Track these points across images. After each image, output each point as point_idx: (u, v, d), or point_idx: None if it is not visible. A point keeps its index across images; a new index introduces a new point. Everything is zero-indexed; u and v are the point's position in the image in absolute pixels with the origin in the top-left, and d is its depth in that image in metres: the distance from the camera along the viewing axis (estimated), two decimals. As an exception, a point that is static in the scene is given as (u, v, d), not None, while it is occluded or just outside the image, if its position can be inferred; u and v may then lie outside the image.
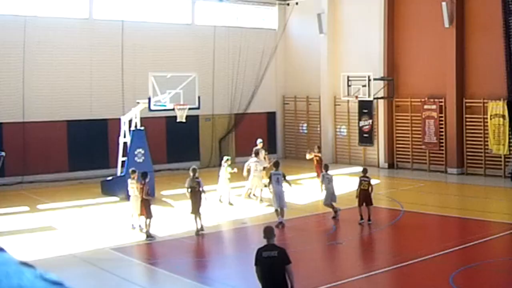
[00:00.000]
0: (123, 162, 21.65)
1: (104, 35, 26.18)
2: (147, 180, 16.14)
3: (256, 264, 9.15)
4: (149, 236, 15.79)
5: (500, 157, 23.92)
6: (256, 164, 20.38)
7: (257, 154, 21.01)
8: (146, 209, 15.97)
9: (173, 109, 21.52)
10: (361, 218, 16.87)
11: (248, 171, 20.32)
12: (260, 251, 9.20)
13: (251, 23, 31.25)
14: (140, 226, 16.50)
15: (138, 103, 21.45)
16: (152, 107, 20.93)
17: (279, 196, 16.86)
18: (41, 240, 15.55)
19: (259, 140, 22.95)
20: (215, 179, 20.42)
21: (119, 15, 26.83)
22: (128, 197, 17.43)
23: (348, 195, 21.81)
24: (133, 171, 17.07)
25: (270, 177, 17.34)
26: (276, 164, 18.17)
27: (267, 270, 9.04)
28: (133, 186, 16.66)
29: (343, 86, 26.85)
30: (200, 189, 16.19)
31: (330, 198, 17.55)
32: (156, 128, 25.91)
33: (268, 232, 9.47)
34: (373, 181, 18.02)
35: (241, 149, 28.31)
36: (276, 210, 16.91)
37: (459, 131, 25.04)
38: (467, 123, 24.98)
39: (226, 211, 19.04)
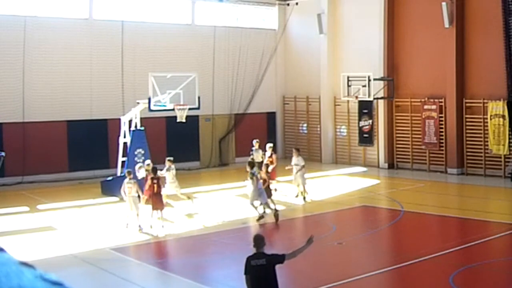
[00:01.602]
0: (123, 162, 21.65)
1: (104, 35, 26.17)
2: (158, 175, 16.61)
3: (245, 273, 8.92)
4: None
5: (500, 157, 23.90)
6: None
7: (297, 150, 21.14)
8: (161, 202, 16.25)
9: (173, 109, 21.53)
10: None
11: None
12: (249, 260, 8.97)
13: (251, 23, 31.24)
14: (139, 226, 16.51)
15: (138, 103, 21.46)
16: (152, 107, 20.94)
17: (261, 192, 17.43)
18: (41, 240, 15.55)
19: (255, 140, 22.99)
20: (215, 179, 20.46)
21: (119, 15, 26.83)
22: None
23: (348, 195, 21.86)
24: (129, 172, 17.19)
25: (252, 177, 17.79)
26: (251, 164, 18.40)
27: (256, 279, 8.87)
28: (130, 186, 16.71)
29: (343, 86, 26.83)
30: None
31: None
32: (156, 128, 25.91)
33: (257, 240, 9.19)
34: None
35: (241, 150, 28.31)
36: (267, 203, 17.44)
37: (459, 131, 25.03)
38: (467, 123, 24.97)
39: (227, 211, 19.02)
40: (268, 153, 21.73)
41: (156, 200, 16.39)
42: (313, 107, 30.64)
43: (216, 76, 29.42)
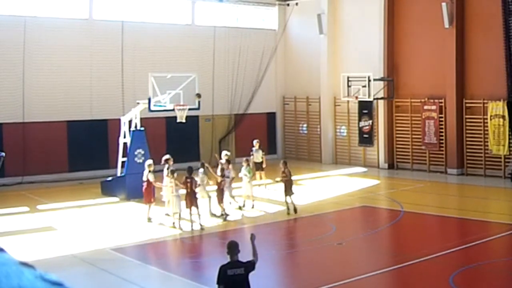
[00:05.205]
0: (123, 162, 21.65)
1: (104, 35, 26.17)
2: (192, 174, 16.82)
3: (218, 283, 8.43)
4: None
5: (500, 158, 23.90)
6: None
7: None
8: (195, 201, 16.52)
9: (173, 110, 21.52)
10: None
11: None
12: (224, 269, 8.46)
13: (251, 23, 31.25)
14: (174, 223, 16.76)
15: (138, 103, 21.44)
16: (152, 108, 20.93)
17: None
18: (41, 240, 15.55)
19: (256, 140, 22.88)
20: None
21: (119, 15, 26.83)
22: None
23: (348, 195, 21.86)
24: (172, 172, 17.18)
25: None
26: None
27: None
28: (172, 186, 16.79)
29: (343, 87, 26.83)
30: None
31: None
32: (156, 129, 25.91)
33: (232, 247, 8.69)
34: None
35: (241, 150, 28.30)
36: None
37: (459, 131, 25.03)
38: (467, 124, 24.97)
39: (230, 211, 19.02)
40: (223, 160, 19.54)
41: (190, 199, 16.57)
42: (313, 107, 30.64)
43: (216, 76, 29.42)
